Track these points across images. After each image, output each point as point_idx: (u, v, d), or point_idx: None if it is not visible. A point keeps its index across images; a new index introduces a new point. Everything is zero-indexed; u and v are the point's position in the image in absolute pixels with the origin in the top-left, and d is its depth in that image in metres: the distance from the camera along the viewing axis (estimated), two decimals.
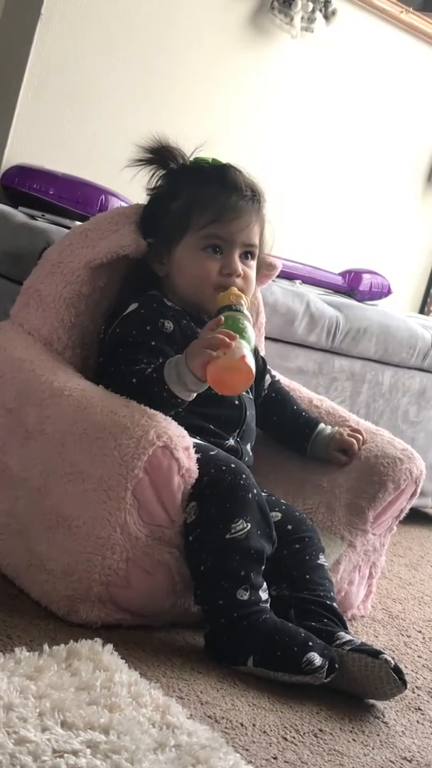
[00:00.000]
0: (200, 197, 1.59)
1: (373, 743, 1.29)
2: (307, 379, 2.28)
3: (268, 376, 1.80)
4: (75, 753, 0.99)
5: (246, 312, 1.52)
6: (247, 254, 1.63)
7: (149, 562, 1.40)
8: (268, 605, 1.41)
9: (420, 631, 1.77)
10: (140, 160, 1.64)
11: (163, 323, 1.57)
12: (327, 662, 1.33)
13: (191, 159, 1.65)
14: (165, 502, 1.40)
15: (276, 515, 1.54)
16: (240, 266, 1.60)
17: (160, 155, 1.65)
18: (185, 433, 1.42)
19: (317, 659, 1.33)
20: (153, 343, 1.54)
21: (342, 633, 1.42)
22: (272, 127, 2.96)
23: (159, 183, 1.66)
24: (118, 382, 1.48)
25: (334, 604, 1.49)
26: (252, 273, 1.63)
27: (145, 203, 1.67)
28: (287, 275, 2.54)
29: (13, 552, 1.45)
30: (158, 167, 1.65)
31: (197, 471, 1.42)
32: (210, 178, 1.61)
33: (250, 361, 1.41)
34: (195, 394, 1.46)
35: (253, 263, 1.64)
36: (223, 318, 1.47)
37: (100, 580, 1.36)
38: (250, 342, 1.46)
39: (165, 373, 1.44)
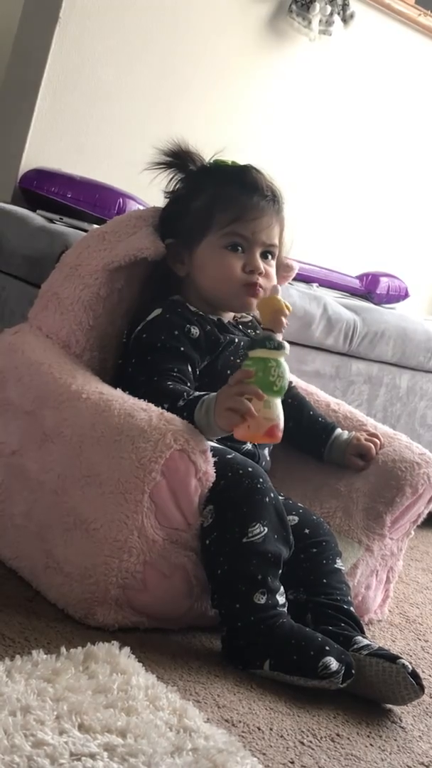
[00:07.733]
0: (221, 197, 1.59)
1: (390, 748, 1.28)
2: (324, 382, 2.27)
3: None
4: (92, 756, 0.99)
5: (283, 344, 1.41)
6: (267, 254, 1.63)
7: (166, 566, 1.40)
8: (285, 609, 1.41)
9: None
10: (160, 164, 1.65)
11: (190, 329, 1.57)
12: (343, 667, 1.33)
13: (211, 161, 1.66)
14: (182, 506, 1.40)
15: (293, 519, 1.54)
16: (262, 264, 1.60)
17: (179, 159, 1.65)
18: (202, 436, 1.42)
19: (334, 664, 1.32)
20: (182, 348, 1.55)
21: (359, 637, 1.42)
22: (289, 129, 2.96)
23: (178, 186, 1.66)
24: (151, 395, 1.46)
25: (352, 608, 1.49)
26: (272, 272, 1.64)
27: (164, 204, 1.67)
28: (304, 278, 2.54)
29: (30, 554, 1.46)
30: (177, 171, 1.66)
31: (214, 474, 1.42)
32: (231, 179, 1.61)
33: (278, 429, 1.38)
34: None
35: (273, 263, 1.65)
36: (253, 370, 1.38)
37: (117, 583, 1.36)
38: (281, 392, 1.39)
39: (196, 416, 1.42)
